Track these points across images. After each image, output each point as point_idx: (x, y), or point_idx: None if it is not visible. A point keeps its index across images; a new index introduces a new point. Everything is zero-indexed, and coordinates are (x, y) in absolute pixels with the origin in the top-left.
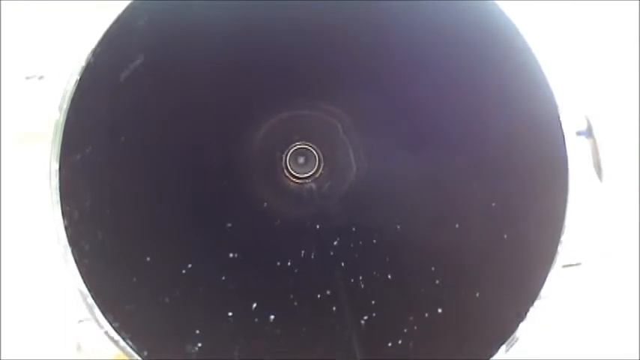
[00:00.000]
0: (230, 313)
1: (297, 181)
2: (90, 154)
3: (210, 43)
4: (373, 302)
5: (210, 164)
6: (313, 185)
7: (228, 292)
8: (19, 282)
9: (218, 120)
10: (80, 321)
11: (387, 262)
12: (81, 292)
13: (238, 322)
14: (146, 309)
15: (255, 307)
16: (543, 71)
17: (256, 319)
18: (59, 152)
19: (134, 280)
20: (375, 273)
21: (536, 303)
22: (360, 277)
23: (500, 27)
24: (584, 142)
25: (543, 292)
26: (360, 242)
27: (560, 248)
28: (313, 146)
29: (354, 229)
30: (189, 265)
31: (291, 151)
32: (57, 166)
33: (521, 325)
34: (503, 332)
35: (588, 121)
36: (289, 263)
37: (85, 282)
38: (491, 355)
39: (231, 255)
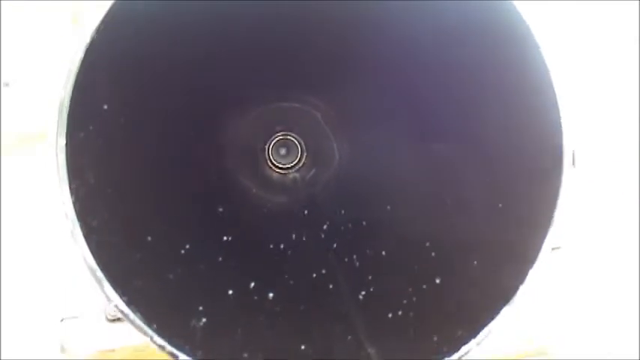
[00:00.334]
0: (230, 292)
1: (281, 171)
2: (92, 132)
3: (193, 33)
4: (370, 278)
5: (196, 153)
6: (297, 175)
7: (226, 272)
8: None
9: (204, 108)
10: (63, 319)
11: (380, 241)
12: (90, 267)
13: (238, 299)
14: (152, 285)
15: (254, 286)
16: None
17: (255, 297)
18: (65, 129)
19: (138, 257)
20: (368, 251)
21: (535, 266)
22: (354, 256)
23: (499, 17)
24: None
25: (541, 255)
26: (350, 225)
27: (556, 213)
28: (295, 137)
29: (342, 212)
30: (187, 246)
31: (273, 142)
32: (63, 142)
33: (521, 288)
34: (504, 295)
35: None
36: (282, 246)
37: (93, 256)
38: (493, 318)
39: (225, 238)
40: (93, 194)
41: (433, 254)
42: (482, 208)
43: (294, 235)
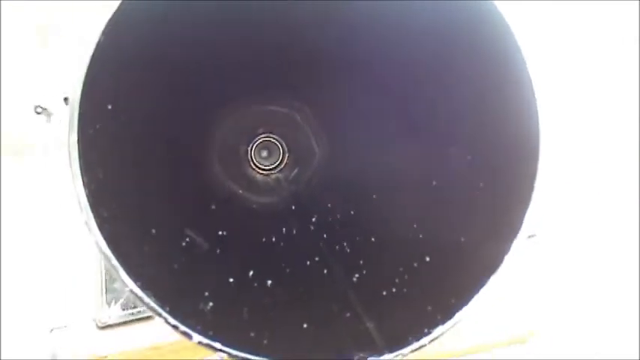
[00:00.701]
0: (231, 280)
1: (264, 172)
2: (99, 130)
3: (187, 39)
4: (361, 262)
5: (186, 155)
6: (280, 175)
7: (224, 263)
8: None
9: (192, 109)
10: (52, 330)
11: (368, 228)
12: (105, 255)
13: (239, 286)
14: (161, 274)
15: (252, 275)
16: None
17: (255, 284)
18: (77, 125)
19: (146, 248)
20: (357, 238)
21: (518, 236)
22: (345, 244)
23: (486, 17)
24: None
25: (523, 227)
26: (338, 215)
27: (535, 184)
28: (277, 138)
29: (329, 205)
30: (187, 239)
31: (255, 144)
32: (75, 138)
33: (506, 258)
34: (491, 266)
35: None
36: (274, 239)
37: (108, 245)
38: (482, 286)
39: (220, 232)
40: (102, 188)
41: (421, 236)
42: (463, 186)
43: (284, 229)
